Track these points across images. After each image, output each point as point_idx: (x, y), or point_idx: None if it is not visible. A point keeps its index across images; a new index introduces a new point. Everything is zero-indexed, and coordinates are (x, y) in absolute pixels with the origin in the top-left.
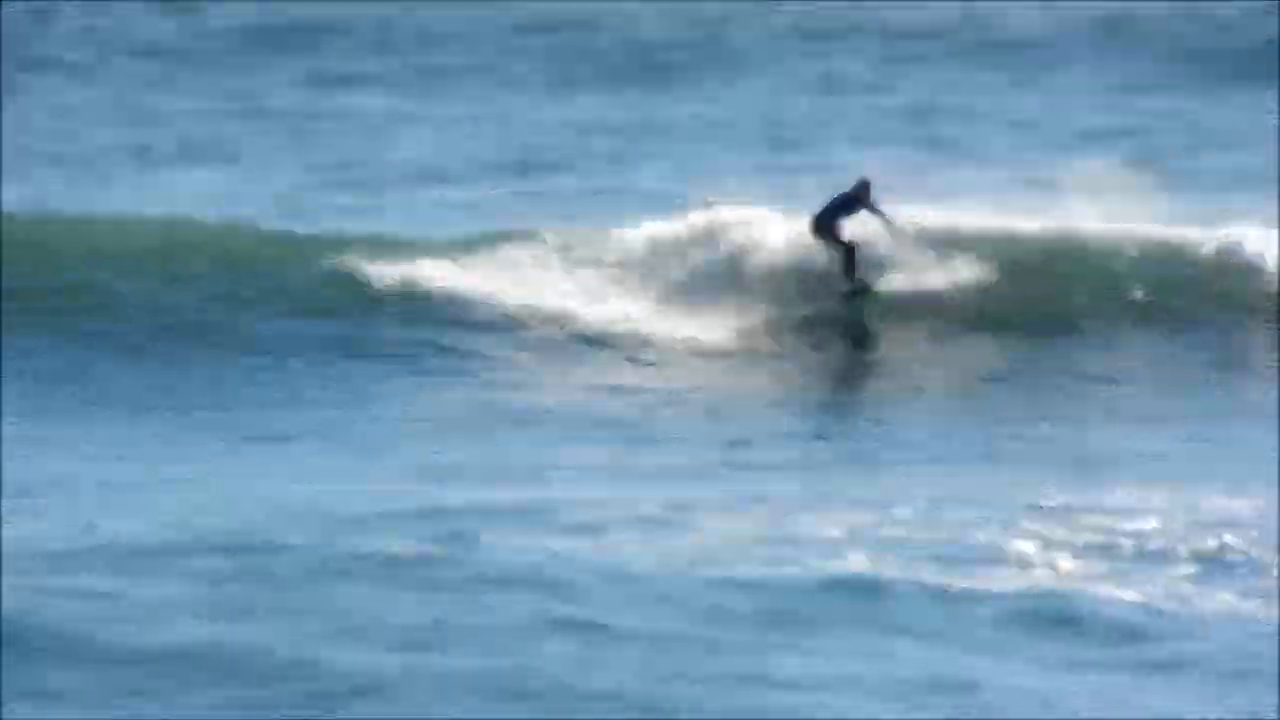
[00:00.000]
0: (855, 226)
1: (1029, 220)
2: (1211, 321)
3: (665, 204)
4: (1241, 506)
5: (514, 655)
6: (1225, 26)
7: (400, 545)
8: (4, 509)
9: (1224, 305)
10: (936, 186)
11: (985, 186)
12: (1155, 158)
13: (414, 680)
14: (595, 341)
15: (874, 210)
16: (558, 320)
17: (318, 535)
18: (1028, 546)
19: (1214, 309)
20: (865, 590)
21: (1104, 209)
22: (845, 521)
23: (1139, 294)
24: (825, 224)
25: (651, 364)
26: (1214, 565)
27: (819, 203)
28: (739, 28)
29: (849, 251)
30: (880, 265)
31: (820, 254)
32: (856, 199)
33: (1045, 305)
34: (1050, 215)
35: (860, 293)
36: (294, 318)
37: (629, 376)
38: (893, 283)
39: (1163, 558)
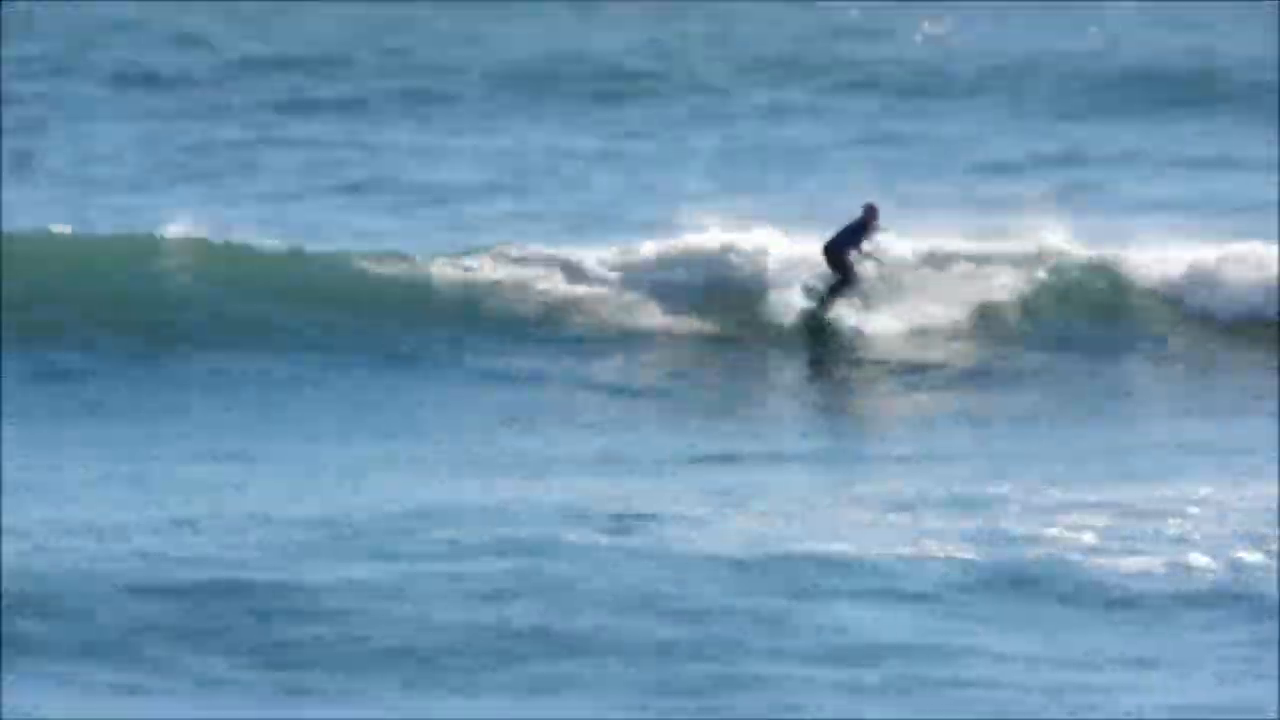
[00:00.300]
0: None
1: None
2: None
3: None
4: None
5: None
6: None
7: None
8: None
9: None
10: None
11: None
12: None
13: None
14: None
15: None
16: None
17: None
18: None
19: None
20: None
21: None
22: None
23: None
24: (837, 251)
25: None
26: None
27: (831, 230)
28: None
29: (845, 283)
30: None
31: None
32: (864, 225)
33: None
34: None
35: (825, 310)
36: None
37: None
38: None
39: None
